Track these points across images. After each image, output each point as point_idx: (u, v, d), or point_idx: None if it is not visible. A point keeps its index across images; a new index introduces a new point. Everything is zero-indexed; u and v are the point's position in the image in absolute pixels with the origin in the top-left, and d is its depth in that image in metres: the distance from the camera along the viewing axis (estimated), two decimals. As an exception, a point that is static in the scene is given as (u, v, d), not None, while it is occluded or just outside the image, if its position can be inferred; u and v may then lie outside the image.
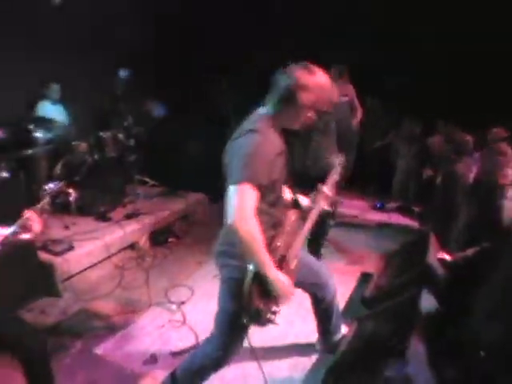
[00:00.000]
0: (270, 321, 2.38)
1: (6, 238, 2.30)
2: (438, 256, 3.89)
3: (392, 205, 6.69)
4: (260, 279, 2.23)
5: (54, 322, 3.82)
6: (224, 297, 2.49)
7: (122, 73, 6.50)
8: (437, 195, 5.20)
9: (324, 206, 2.75)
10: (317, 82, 2.26)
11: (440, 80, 6.13)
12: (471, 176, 4.50)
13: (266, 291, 2.28)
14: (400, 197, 6.71)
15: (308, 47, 6.18)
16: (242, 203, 2.11)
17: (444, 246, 4.14)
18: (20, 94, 5.66)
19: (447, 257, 3.83)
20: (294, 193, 2.75)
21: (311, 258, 2.98)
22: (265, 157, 2.18)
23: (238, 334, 2.54)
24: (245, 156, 2.15)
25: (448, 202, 4.72)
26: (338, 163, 2.97)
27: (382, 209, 6.66)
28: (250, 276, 2.22)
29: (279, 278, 2.27)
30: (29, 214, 2.36)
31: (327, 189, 2.77)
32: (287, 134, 2.41)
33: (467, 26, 5.84)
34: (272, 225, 2.40)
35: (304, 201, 2.77)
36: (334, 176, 2.88)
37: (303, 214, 2.67)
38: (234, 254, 2.30)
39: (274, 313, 2.39)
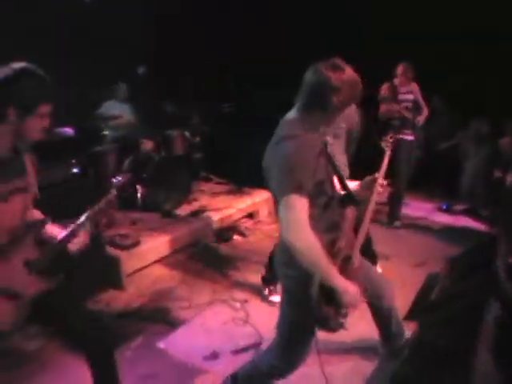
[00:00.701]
0: (340, 325, 2.29)
1: (75, 229, 2.30)
2: (507, 261, 3.63)
3: (459, 207, 6.39)
4: (326, 287, 2.14)
5: (117, 314, 3.87)
6: (287, 307, 2.42)
7: (140, 70, 6.59)
8: (506, 198, 4.90)
9: (380, 190, 2.62)
10: (347, 82, 2.13)
11: (508, 79, 5.76)
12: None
13: (333, 297, 2.18)
14: (467, 199, 6.39)
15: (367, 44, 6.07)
16: (292, 216, 2.04)
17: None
18: (88, 93, 5.83)
19: None
20: (344, 184, 2.59)
21: (368, 264, 2.83)
22: (305, 162, 2.08)
23: (302, 345, 2.44)
24: (286, 165, 2.07)
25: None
26: (386, 145, 2.87)
27: (448, 211, 6.37)
28: (316, 286, 2.14)
29: (345, 287, 2.14)
30: (90, 214, 2.35)
31: (381, 177, 2.64)
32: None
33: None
34: (330, 228, 2.31)
35: (353, 185, 2.65)
36: (386, 160, 2.75)
37: (360, 207, 2.53)
38: (293, 264, 2.17)
39: (344, 316, 2.29)
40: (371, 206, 2.57)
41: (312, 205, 2.10)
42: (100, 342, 2.37)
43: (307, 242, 2.03)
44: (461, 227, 5.79)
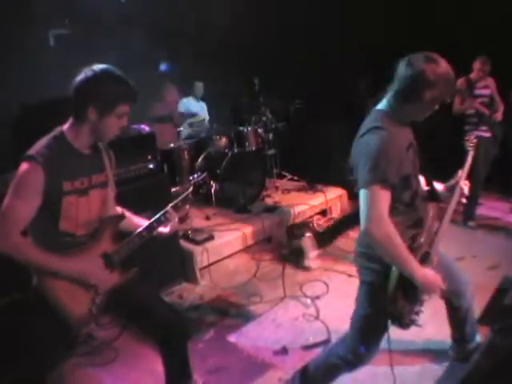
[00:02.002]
0: (413, 322, 2.29)
1: (152, 223, 2.39)
2: None
3: None
4: (403, 281, 2.15)
5: (190, 307, 3.97)
6: (363, 299, 2.40)
7: (163, 66, 6.65)
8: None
9: (462, 190, 2.52)
10: (442, 77, 2.06)
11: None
12: None
13: (409, 292, 2.21)
14: None
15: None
16: (374, 206, 2.06)
17: None
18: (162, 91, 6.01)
19: None
20: (430, 181, 2.52)
21: (451, 261, 2.76)
22: (392, 154, 2.07)
23: (375, 339, 2.42)
24: (372, 156, 2.06)
25: None
26: (469, 145, 2.73)
27: None
28: (393, 279, 2.16)
29: (426, 275, 2.15)
30: (169, 209, 2.43)
31: (464, 173, 2.54)
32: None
33: None
34: (412, 223, 2.29)
35: (440, 187, 2.57)
36: (469, 160, 2.64)
37: (442, 205, 2.48)
38: (373, 256, 2.22)
39: (418, 313, 2.30)
40: (452, 206, 2.48)
41: (396, 199, 2.13)
42: (174, 331, 2.43)
43: (387, 233, 2.05)
44: None
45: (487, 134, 5.22)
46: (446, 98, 2.16)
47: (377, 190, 2.04)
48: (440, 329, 3.06)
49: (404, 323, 2.26)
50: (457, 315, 2.84)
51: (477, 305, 2.98)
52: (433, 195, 2.52)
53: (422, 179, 2.48)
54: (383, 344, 2.39)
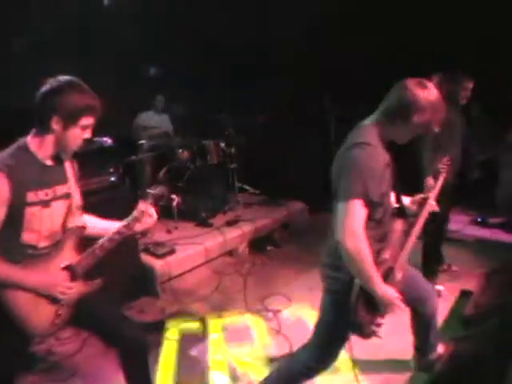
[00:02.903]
0: (374, 333, 2.35)
1: (114, 235, 2.36)
2: None
3: (495, 220, 6.16)
4: (366, 292, 2.21)
5: (151, 321, 3.92)
6: (327, 308, 2.45)
7: (152, 70, 6.67)
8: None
9: (430, 209, 2.65)
10: (432, 103, 2.17)
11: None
12: None
13: (371, 304, 2.26)
14: (504, 211, 6.17)
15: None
16: (351, 219, 2.10)
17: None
18: (127, 103, 5.95)
19: None
20: (399, 198, 2.60)
21: (416, 272, 2.84)
22: (376, 172, 2.14)
23: (336, 346, 2.49)
24: (357, 170, 2.11)
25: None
26: (441, 167, 2.87)
27: (483, 224, 6.13)
28: (356, 290, 2.21)
29: (386, 292, 2.22)
30: (143, 207, 2.41)
31: (434, 197, 2.69)
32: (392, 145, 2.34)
33: None
34: (379, 238, 2.34)
35: (407, 201, 2.65)
36: (440, 181, 2.80)
37: (410, 222, 2.57)
38: (339, 266, 2.26)
39: (379, 325, 2.36)
40: (420, 223, 2.58)
41: (369, 217, 2.16)
42: (135, 345, 2.40)
43: (359, 247, 2.10)
44: (496, 241, 5.59)
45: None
46: (433, 125, 2.27)
47: (357, 204, 2.09)
48: (403, 339, 3.12)
49: (365, 333, 2.31)
50: (420, 322, 2.90)
51: (438, 316, 3.04)
52: (401, 212, 2.57)
53: (392, 195, 2.53)
54: (348, 355, 2.44)
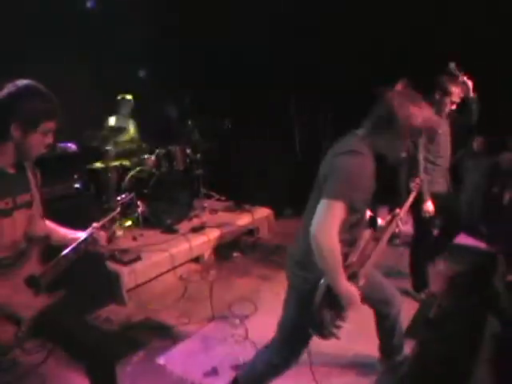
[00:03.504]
0: (333, 334, 2.37)
1: (79, 245, 2.33)
2: (507, 279, 3.64)
3: None
4: (330, 292, 2.25)
5: (118, 330, 3.88)
6: (291, 304, 2.50)
7: (141, 73, 6.65)
8: (504, 215, 4.89)
9: (397, 229, 2.76)
10: (421, 115, 2.25)
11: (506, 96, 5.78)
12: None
13: (334, 304, 2.30)
14: (467, 216, 6.32)
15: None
16: (330, 217, 2.15)
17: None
18: (92, 107, 5.87)
19: None
20: (373, 211, 2.70)
21: (380, 276, 2.91)
22: (364, 179, 2.24)
23: (300, 343, 2.55)
24: (347, 174, 2.19)
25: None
26: (413, 186, 3.01)
27: None
28: (321, 288, 2.25)
29: (349, 290, 2.27)
30: (96, 227, 2.39)
31: (403, 213, 2.78)
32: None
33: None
34: (349, 243, 2.40)
35: (379, 221, 2.76)
36: (410, 200, 2.92)
37: (377, 234, 2.69)
38: (307, 265, 2.31)
39: (338, 327, 2.39)
40: (387, 236, 2.68)
41: (346, 218, 2.22)
42: (101, 355, 2.37)
43: (332, 245, 2.15)
44: (459, 245, 5.73)
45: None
46: (419, 134, 2.41)
47: (339, 205, 2.14)
48: (368, 342, 3.17)
49: (323, 333, 2.35)
50: (385, 324, 2.95)
51: (403, 319, 3.11)
52: (372, 222, 2.71)
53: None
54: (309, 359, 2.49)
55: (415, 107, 2.24)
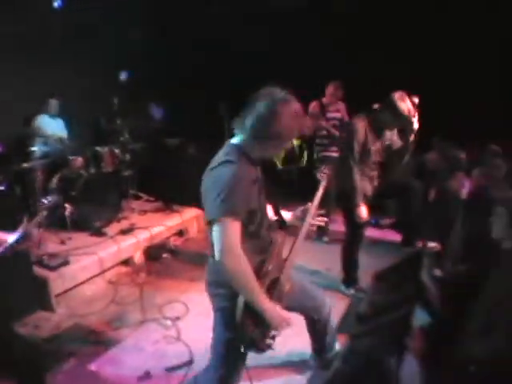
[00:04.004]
0: (268, 346, 2.39)
1: (7, 246, 2.31)
2: (432, 273, 3.89)
3: (386, 221, 6.62)
4: (251, 308, 2.23)
5: (47, 337, 3.81)
6: (219, 326, 2.48)
7: (123, 75, 6.56)
8: (430, 210, 5.18)
9: (313, 222, 2.73)
10: (292, 113, 2.21)
11: (437, 97, 6.12)
12: (464, 192, 4.53)
13: (258, 319, 2.27)
14: (395, 213, 6.64)
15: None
16: (226, 238, 2.12)
17: (439, 262, 4.14)
18: (18, 107, 5.68)
19: (439, 273, 3.83)
20: (278, 210, 2.73)
21: (305, 281, 2.94)
22: (242, 188, 2.16)
23: (236, 363, 2.51)
24: (223, 188, 2.12)
25: (441, 219, 4.73)
26: (320, 176, 2.90)
27: (376, 225, 6.51)
28: (240, 306, 2.23)
29: (270, 308, 2.26)
30: (27, 225, 2.38)
31: (314, 205, 2.71)
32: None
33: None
34: (259, 250, 2.40)
35: (287, 215, 2.76)
36: (321, 191, 2.80)
37: (290, 231, 2.66)
38: (222, 283, 2.29)
39: (273, 337, 2.40)
40: (302, 234, 2.64)
41: (243, 229, 2.19)
42: (31, 366, 2.37)
43: (238, 265, 2.13)
44: (388, 241, 5.97)
45: (336, 154, 5.58)
46: (295, 136, 2.33)
47: (228, 221, 2.11)
48: (300, 339, 3.27)
49: (259, 348, 2.36)
50: (316, 328, 3.02)
51: (334, 314, 3.21)
52: (281, 224, 2.70)
53: (269, 209, 2.59)
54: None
55: (292, 112, 2.20)
